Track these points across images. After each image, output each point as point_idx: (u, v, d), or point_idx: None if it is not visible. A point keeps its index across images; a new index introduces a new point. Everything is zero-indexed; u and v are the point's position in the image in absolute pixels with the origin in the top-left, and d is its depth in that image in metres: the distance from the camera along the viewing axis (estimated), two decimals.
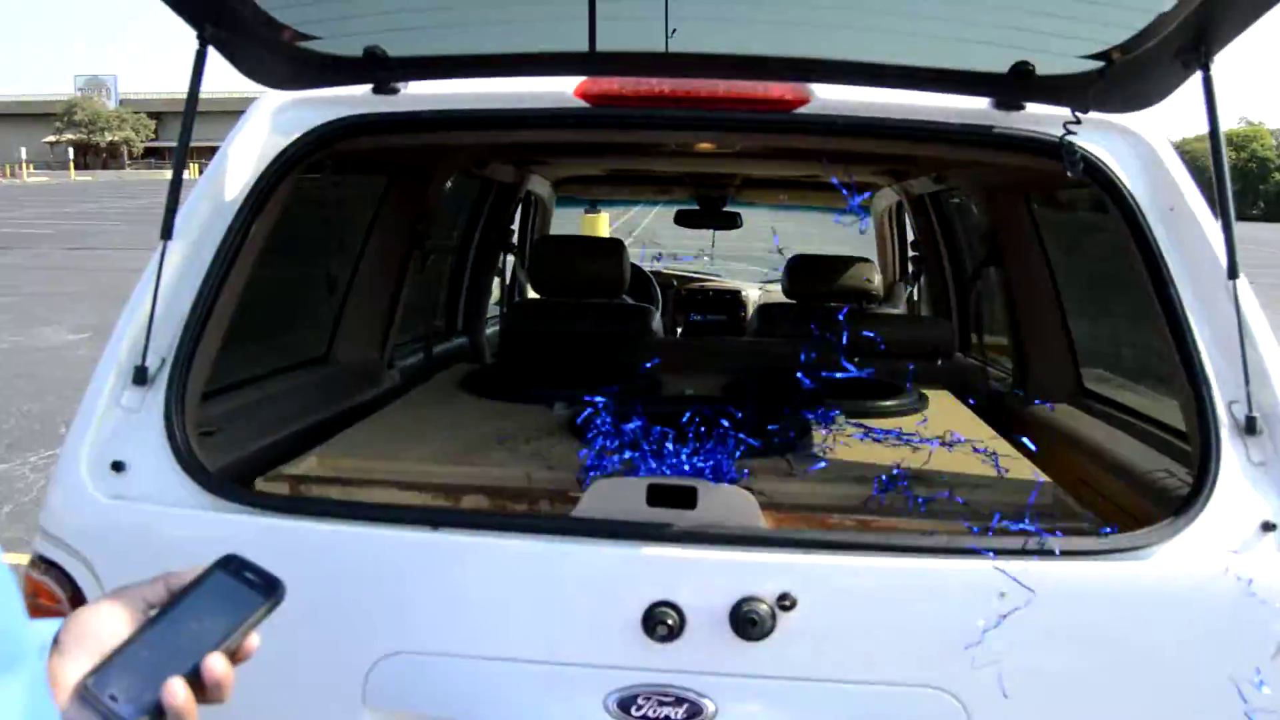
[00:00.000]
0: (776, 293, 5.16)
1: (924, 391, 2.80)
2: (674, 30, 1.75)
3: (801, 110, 1.86)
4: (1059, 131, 1.79)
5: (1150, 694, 1.56)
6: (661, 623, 1.52)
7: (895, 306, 4.80)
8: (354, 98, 1.93)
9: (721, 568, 1.56)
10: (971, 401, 2.65)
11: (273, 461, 2.01)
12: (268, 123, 1.94)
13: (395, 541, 1.62)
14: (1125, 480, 2.12)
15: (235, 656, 0.91)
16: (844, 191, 2.23)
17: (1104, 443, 2.39)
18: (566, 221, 7.23)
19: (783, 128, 1.94)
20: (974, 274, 3.55)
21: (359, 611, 1.62)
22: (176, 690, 0.85)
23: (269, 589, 0.94)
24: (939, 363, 3.32)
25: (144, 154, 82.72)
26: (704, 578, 1.55)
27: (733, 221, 5.46)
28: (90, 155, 79.05)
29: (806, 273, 3.82)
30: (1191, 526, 1.59)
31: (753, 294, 5.68)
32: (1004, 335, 3.26)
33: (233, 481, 1.79)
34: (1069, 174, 1.79)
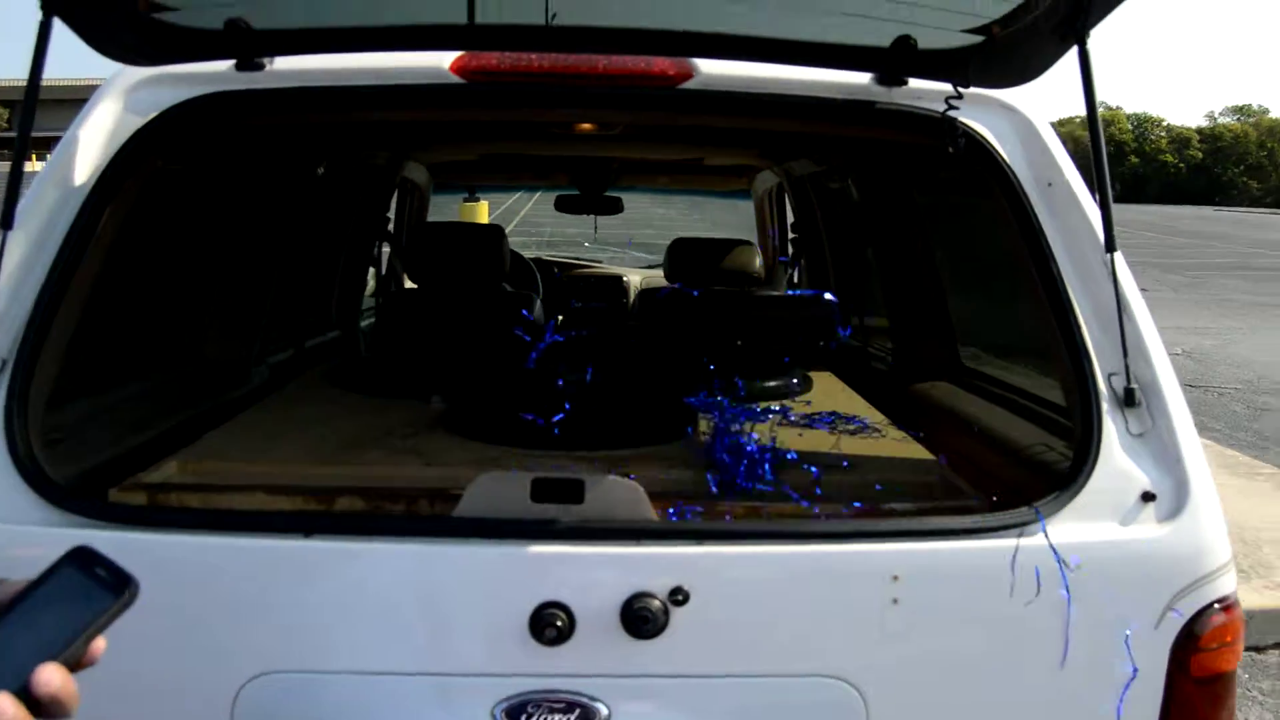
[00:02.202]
0: (658, 277, 5.12)
1: (808, 373, 2.80)
2: (554, 15, 1.68)
3: (685, 85, 1.81)
4: (940, 107, 1.78)
5: (1045, 666, 1.56)
6: (550, 625, 1.45)
7: (776, 289, 4.82)
8: (216, 74, 1.81)
9: (611, 563, 1.50)
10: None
11: (130, 469, 1.86)
12: (120, 102, 1.80)
13: (264, 551, 1.51)
14: (1004, 454, 2.13)
15: (78, 665, 0.83)
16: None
17: (982, 418, 2.41)
18: (445, 212, 7.08)
19: (666, 103, 1.88)
20: (855, 255, 3.57)
21: (224, 630, 1.50)
22: (3, 709, 0.77)
23: (120, 586, 0.86)
24: (821, 344, 3.32)
25: None
26: (593, 575, 1.49)
27: (614, 206, 5.40)
28: None
29: (687, 257, 3.79)
30: (1076, 500, 1.59)
31: (634, 279, 5.64)
32: (885, 316, 3.29)
33: (83, 493, 1.65)
34: (950, 150, 1.78)
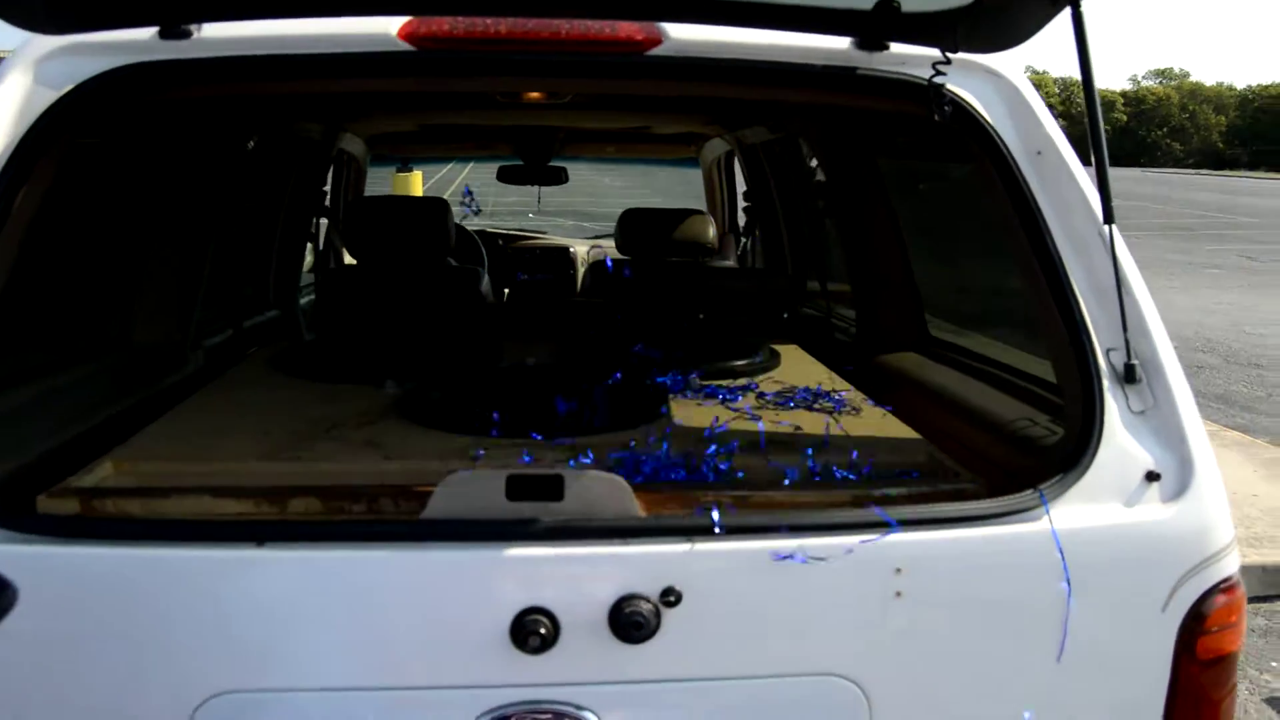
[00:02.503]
0: (607, 248, 5.00)
1: (774, 347, 2.72)
2: None
3: (654, 52, 1.69)
4: (923, 72, 1.69)
5: (1052, 654, 1.50)
6: (533, 632, 1.35)
7: (726, 259, 4.73)
8: (137, 43, 1.65)
9: (597, 564, 1.40)
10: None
11: (61, 470, 1.71)
12: (30, 74, 1.64)
13: (214, 563, 1.38)
14: (984, 428, 2.06)
15: None
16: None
17: (956, 390, 2.34)
18: (377, 182, 6.84)
19: (634, 71, 1.76)
20: (815, 224, 3.49)
21: (176, 649, 1.38)
22: None
23: None
24: (784, 316, 3.25)
25: None
26: (578, 578, 1.40)
27: (559, 177, 5.26)
28: None
29: (640, 228, 3.67)
30: (1080, 482, 1.53)
31: (581, 250, 5.51)
32: (846, 285, 3.21)
33: (8, 502, 1.51)
34: (936, 118, 1.69)
